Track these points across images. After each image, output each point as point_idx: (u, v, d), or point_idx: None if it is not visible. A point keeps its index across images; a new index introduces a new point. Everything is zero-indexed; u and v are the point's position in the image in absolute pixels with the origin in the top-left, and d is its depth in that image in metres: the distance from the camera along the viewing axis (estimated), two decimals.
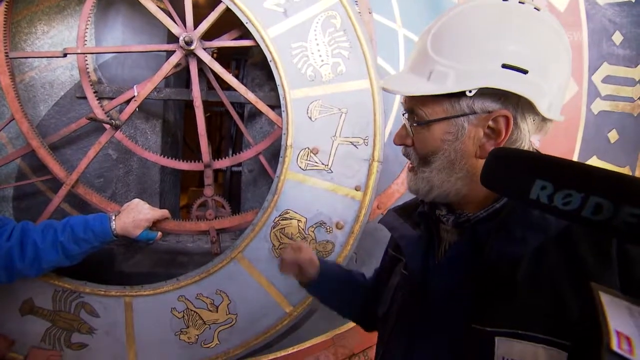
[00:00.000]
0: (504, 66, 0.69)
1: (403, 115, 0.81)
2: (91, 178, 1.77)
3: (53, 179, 1.61)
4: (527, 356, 0.63)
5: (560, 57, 0.73)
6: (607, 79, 1.76)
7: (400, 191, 1.68)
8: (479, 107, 0.72)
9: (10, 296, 1.49)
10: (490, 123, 0.72)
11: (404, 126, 0.81)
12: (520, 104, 0.72)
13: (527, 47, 0.70)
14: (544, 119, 0.74)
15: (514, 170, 0.58)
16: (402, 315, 0.86)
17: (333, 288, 1.17)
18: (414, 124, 0.77)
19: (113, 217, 1.34)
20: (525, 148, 0.75)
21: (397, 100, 1.73)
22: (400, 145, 0.82)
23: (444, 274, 0.79)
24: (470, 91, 0.70)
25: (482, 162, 0.71)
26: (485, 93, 0.71)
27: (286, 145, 1.51)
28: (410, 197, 1.02)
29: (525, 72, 0.69)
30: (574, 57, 1.61)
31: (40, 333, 1.53)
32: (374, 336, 1.01)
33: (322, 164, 1.52)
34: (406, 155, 0.82)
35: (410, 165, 0.82)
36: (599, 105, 1.76)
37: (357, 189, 1.53)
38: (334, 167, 1.52)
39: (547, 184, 0.52)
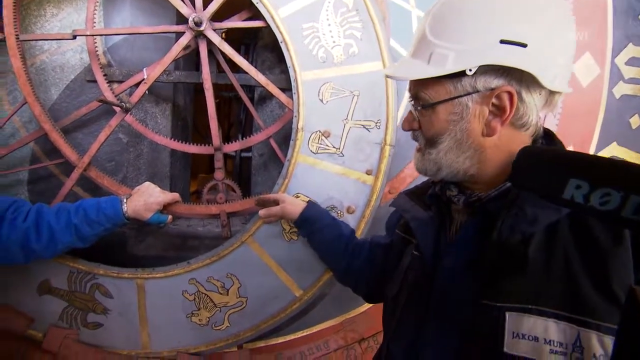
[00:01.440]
0: (502, 42, 0.69)
1: (410, 101, 0.83)
2: (102, 162, 1.78)
3: (66, 163, 1.62)
4: (538, 330, 0.64)
5: (561, 26, 0.72)
6: (632, 61, 1.70)
7: (412, 175, 1.65)
8: (482, 85, 0.73)
9: (28, 277, 1.53)
10: (494, 100, 0.73)
11: (410, 111, 0.83)
12: (523, 79, 0.72)
13: (525, 21, 0.70)
14: (551, 92, 0.74)
15: (545, 169, 0.58)
16: (413, 295, 0.88)
17: (317, 237, 1.32)
18: (419, 108, 0.79)
19: (124, 200, 1.36)
20: (533, 122, 0.75)
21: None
22: (408, 130, 0.85)
23: (456, 252, 0.80)
24: (470, 70, 0.71)
25: (490, 140, 0.74)
26: (486, 70, 0.72)
27: (297, 128, 1.51)
28: (422, 181, 1.07)
29: (524, 45, 0.69)
30: (596, 38, 1.63)
31: (58, 312, 1.57)
32: None
33: (334, 147, 1.51)
34: (414, 138, 0.85)
35: (418, 147, 0.84)
36: (621, 89, 1.70)
37: (368, 173, 1.52)
38: (346, 150, 1.52)
39: (582, 183, 0.51)
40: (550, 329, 0.64)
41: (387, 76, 0.83)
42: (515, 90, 0.71)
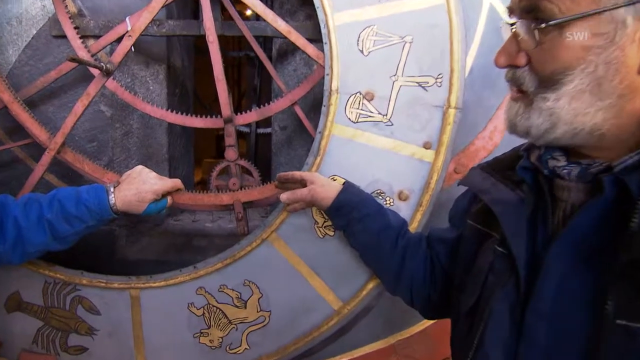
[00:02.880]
0: None
1: (511, 25, 0.73)
2: (81, 142, 1.75)
3: (34, 144, 1.58)
4: None
5: None
6: None
7: (487, 148, 1.54)
8: None
9: None
10: None
11: (512, 39, 0.73)
12: None
13: None
14: None
15: None
16: (499, 310, 0.80)
17: (356, 229, 1.27)
18: (541, 26, 0.67)
19: (111, 189, 1.31)
20: None
21: (483, 18, 1.53)
22: (506, 66, 0.75)
23: (566, 249, 0.71)
24: None
25: None
26: None
27: (330, 90, 1.42)
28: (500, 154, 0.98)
29: None
30: None
31: (31, 334, 1.54)
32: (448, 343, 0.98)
33: (379, 113, 1.42)
34: (513, 80, 0.75)
35: (517, 93, 0.75)
36: None
37: (426, 146, 1.42)
38: (395, 117, 1.42)
39: None
40: None
41: None
42: None
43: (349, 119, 1.43)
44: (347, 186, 1.32)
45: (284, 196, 1.34)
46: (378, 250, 1.26)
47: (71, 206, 1.26)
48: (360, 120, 1.43)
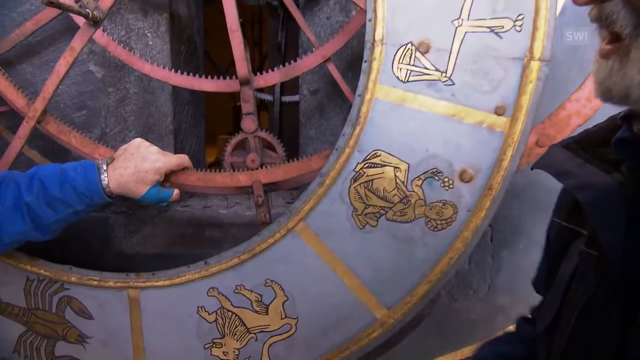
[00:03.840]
0: None
1: None
2: (67, 110, 1.70)
3: (10, 112, 1.55)
4: None
5: None
6: None
7: (583, 113, 1.43)
8: None
9: None
10: None
11: None
12: None
13: None
14: None
15: None
16: (586, 327, 0.77)
17: None
18: None
19: (104, 167, 1.31)
20: None
21: None
22: (587, 2, 0.69)
23: None
24: None
25: None
26: None
27: (373, 40, 1.34)
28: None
29: None
30: None
31: (12, 341, 1.54)
32: None
33: (437, 70, 1.34)
34: (600, 19, 0.69)
35: (608, 44, 0.69)
36: None
37: (498, 111, 1.33)
38: (458, 74, 1.33)
39: None
40: None
41: None
42: None
43: (397, 77, 1.35)
44: None
45: None
46: None
47: (54, 187, 1.25)
48: (411, 79, 1.36)
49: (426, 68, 1.33)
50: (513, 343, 1.16)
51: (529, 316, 1.19)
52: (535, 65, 1.29)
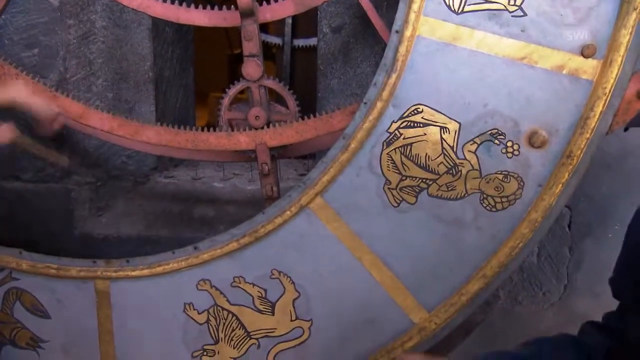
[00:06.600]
0: None
1: None
2: (14, 47, 1.61)
3: None
4: None
5: None
6: None
7: None
8: None
9: None
10: None
11: None
12: None
13: None
14: None
15: None
16: None
17: None
18: None
19: None
20: None
21: None
22: None
23: None
24: None
25: None
26: None
27: None
28: None
29: None
30: None
31: None
32: None
33: None
34: None
35: None
36: None
37: (586, 52, 1.17)
38: (531, 2, 1.18)
39: None
40: None
41: None
42: None
43: (449, 7, 1.19)
44: None
45: None
46: None
47: None
48: (467, 9, 1.20)
49: None
50: (567, 347, 1.11)
51: (600, 322, 1.11)
52: None
